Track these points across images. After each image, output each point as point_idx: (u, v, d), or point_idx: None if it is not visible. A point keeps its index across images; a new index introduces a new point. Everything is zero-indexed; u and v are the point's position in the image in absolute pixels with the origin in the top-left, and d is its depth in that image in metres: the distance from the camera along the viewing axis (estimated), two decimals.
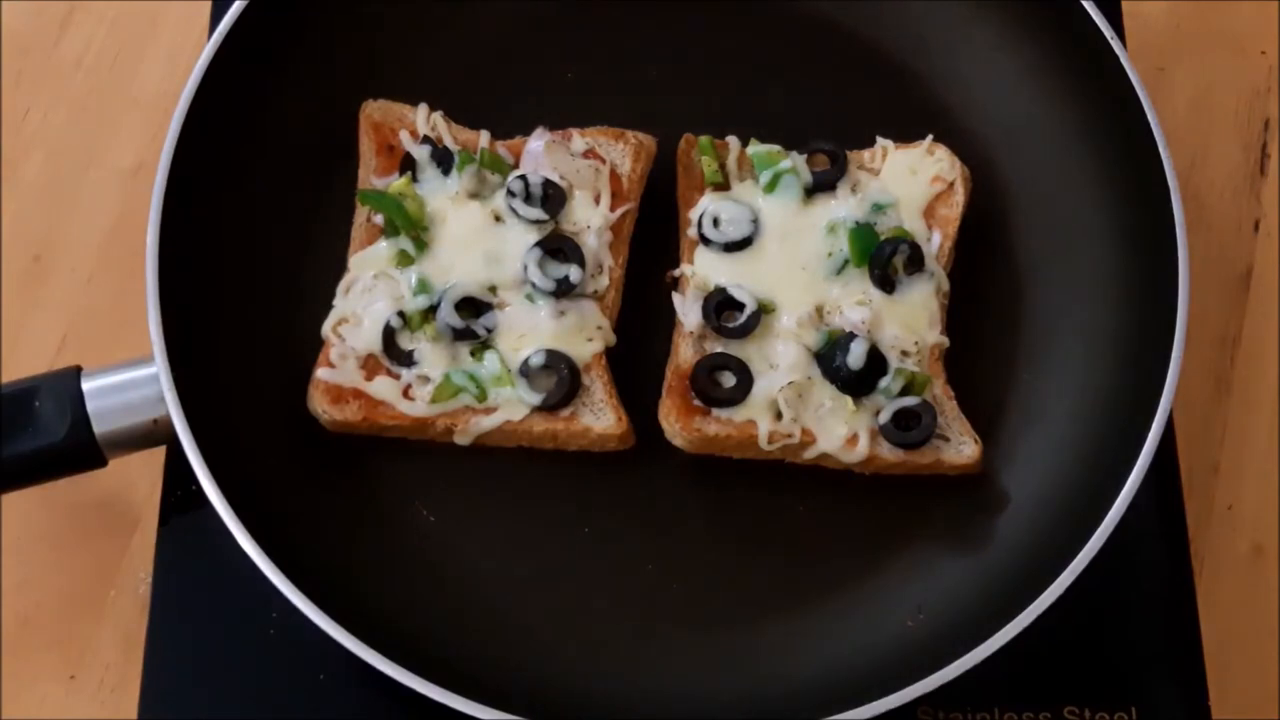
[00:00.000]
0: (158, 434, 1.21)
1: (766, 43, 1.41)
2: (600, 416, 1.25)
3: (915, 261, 1.28)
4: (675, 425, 1.24)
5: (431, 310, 1.26)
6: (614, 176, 1.31)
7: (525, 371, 1.25)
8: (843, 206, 1.31)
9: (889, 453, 1.24)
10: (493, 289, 1.27)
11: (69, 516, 1.32)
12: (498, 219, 1.29)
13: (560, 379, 1.24)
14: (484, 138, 1.33)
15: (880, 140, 1.34)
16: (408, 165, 1.31)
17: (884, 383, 1.24)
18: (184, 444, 1.16)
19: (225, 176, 1.29)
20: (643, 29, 1.41)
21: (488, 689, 1.13)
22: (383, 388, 1.25)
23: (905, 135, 1.35)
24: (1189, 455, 1.32)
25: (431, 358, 1.25)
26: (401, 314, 1.26)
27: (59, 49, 1.49)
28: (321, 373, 1.25)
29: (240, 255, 1.29)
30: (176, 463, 1.24)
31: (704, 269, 1.29)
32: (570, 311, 1.26)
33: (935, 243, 1.30)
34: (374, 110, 1.33)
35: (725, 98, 1.38)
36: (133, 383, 1.21)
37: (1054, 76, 1.36)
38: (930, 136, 1.34)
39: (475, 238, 1.28)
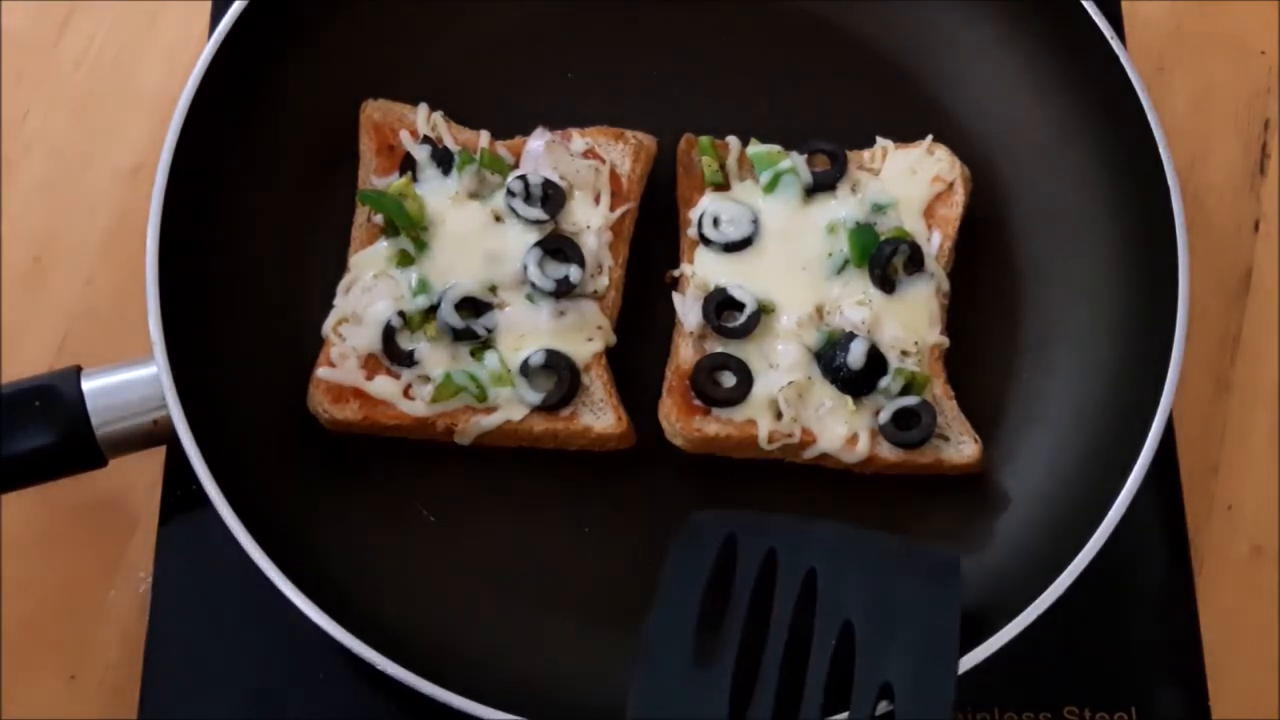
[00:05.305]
0: (158, 434, 1.21)
1: (766, 43, 1.41)
2: (600, 416, 1.25)
3: (915, 261, 1.28)
4: (675, 425, 1.24)
5: (432, 310, 1.26)
6: (614, 176, 1.31)
7: (525, 371, 1.25)
8: (843, 206, 1.31)
9: (889, 452, 1.24)
10: (493, 289, 1.27)
11: (69, 516, 1.32)
12: (498, 219, 1.29)
13: (560, 379, 1.24)
14: (484, 138, 1.33)
15: (880, 140, 1.34)
16: (408, 165, 1.31)
17: (884, 382, 1.24)
18: (184, 444, 1.16)
19: (225, 177, 1.29)
20: (643, 29, 1.41)
21: (488, 689, 1.13)
22: (383, 387, 1.25)
23: (905, 135, 1.35)
24: (1189, 455, 1.32)
25: (431, 357, 1.25)
26: (402, 314, 1.26)
27: (59, 49, 1.48)
28: (322, 372, 1.25)
29: (240, 255, 1.29)
30: (176, 463, 1.24)
31: (704, 269, 1.29)
32: (570, 311, 1.26)
33: (935, 243, 1.30)
34: (374, 110, 1.33)
35: (725, 98, 1.38)
36: (133, 383, 1.20)
37: (1054, 76, 1.36)
38: (930, 136, 1.34)
39: (475, 238, 1.28)
